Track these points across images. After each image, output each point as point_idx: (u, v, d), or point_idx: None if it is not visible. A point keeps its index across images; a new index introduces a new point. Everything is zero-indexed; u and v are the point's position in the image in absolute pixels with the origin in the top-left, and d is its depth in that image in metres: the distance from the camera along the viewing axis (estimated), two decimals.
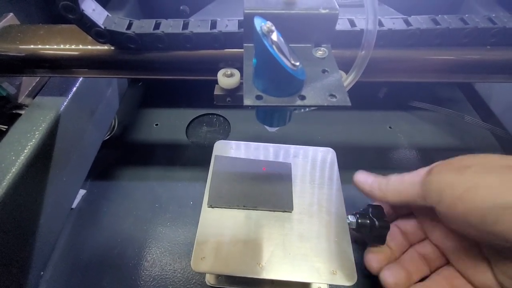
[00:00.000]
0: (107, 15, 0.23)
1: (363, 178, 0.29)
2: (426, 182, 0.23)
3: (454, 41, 0.24)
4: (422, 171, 0.24)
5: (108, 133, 0.43)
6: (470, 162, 0.22)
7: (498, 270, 0.22)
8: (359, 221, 0.28)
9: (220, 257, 0.25)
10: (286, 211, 0.28)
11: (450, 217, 0.22)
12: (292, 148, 0.33)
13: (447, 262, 0.27)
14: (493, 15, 0.24)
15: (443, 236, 0.26)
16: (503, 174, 0.20)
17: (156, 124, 0.46)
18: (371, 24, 0.19)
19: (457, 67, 0.25)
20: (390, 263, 0.27)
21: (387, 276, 0.26)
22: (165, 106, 0.49)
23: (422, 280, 0.27)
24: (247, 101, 0.18)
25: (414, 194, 0.24)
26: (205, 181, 0.30)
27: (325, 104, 0.18)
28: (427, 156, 0.42)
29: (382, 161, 0.42)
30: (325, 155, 0.33)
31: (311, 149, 0.33)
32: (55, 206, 0.29)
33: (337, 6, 0.20)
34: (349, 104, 0.18)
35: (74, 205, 0.36)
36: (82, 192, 0.37)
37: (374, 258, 0.27)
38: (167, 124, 0.46)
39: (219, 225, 0.27)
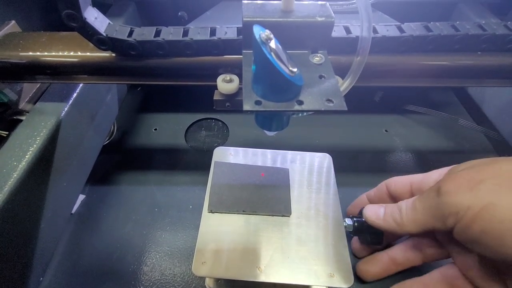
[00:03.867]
0: (109, 23, 0.23)
1: (374, 212, 0.26)
2: (440, 206, 0.21)
3: (446, 47, 0.25)
4: (431, 192, 0.22)
5: (108, 138, 0.43)
6: (482, 176, 0.20)
7: None
8: (356, 224, 0.29)
9: (221, 262, 0.25)
10: (284, 216, 0.28)
11: (465, 238, 0.20)
12: (290, 154, 0.34)
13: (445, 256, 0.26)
14: (483, 22, 0.24)
15: (458, 250, 0.24)
16: None
17: (155, 129, 0.46)
18: (366, 31, 0.20)
19: (450, 72, 0.26)
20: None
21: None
22: (164, 111, 0.49)
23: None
24: (246, 106, 0.19)
25: (431, 221, 0.22)
26: (204, 185, 0.30)
27: (322, 109, 0.19)
28: (423, 158, 0.43)
29: (379, 164, 0.42)
30: (322, 161, 0.33)
31: (308, 155, 0.34)
32: (56, 211, 0.29)
33: (333, 14, 0.21)
34: (346, 108, 0.18)
35: (73, 210, 0.36)
36: (81, 197, 0.37)
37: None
38: (166, 129, 0.46)
39: (219, 230, 0.27)
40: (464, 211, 0.20)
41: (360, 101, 0.49)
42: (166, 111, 0.49)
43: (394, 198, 0.28)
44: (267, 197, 0.29)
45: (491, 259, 0.21)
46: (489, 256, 0.20)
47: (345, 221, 0.28)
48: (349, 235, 0.28)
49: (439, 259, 0.27)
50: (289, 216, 0.28)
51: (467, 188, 0.20)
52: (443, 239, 0.26)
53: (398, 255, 0.28)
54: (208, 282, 0.29)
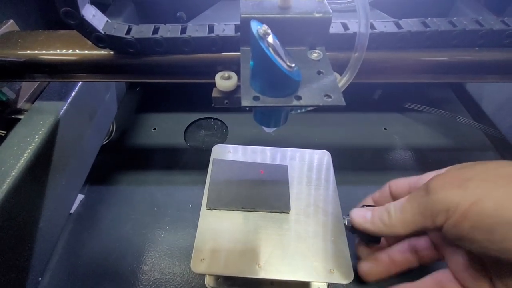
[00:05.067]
0: (107, 20, 0.23)
1: (361, 215, 0.26)
2: (429, 204, 0.21)
3: (443, 43, 0.25)
4: (420, 191, 0.23)
5: (106, 138, 0.43)
6: (470, 174, 0.21)
7: (499, 282, 0.21)
8: None
9: (219, 258, 0.25)
10: (283, 212, 0.28)
11: (455, 235, 0.20)
12: (289, 151, 0.34)
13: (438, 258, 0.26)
14: (480, 17, 0.25)
15: (449, 249, 0.25)
16: (509, 185, 0.19)
17: (154, 129, 0.46)
18: (363, 27, 0.20)
19: (447, 68, 0.26)
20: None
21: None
22: (163, 111, 0.49)
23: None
24: (244, 102, 0.19)
25: (420, 221, 0.22)
26: (204, 184, 0.30)
27: (321, 104, 0.19)
28: (422, 156, 0.43)
29: (378, 161, 0.42)
30: (321, 158, 0.33)
31: (307, 152, 0.34)
32: (54, 210, 0.29)
33: (330, 10, 0.21)
34: (344, 103, 0.18)
35: (72, 210, 0.36)
36: (80, 197, 0.37)
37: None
38: (165, 129, 0.46)
39: (218, 227, 0.27)
40: (454, 208, 0.20)
41: (359, 99, 0.49)
42: (165, 111, 0.49)
43: (395, 200, 0.29)
44: (266, 194, 0.29)
45: (480, 255, 0.22)
46: (478, 252, 0.21)
47: (344, 219, 0.28)
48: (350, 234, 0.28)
49: (434, 261, 0.27)
50: (288, 213, 0.28)
51: (456, 185, 0.20)
52: (437, 240, 0.26)
53: (397, 255, 0.28)
54: (208, 280, 0.29)
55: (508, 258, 0.19)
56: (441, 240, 0.26)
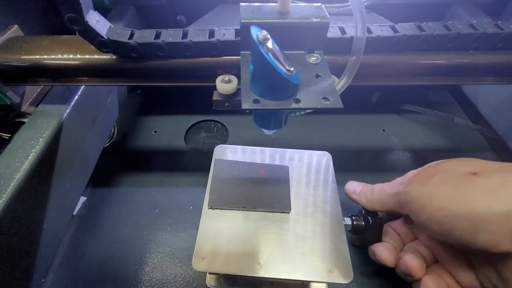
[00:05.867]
0: (110, 26, 0.24)
1: (352, 187, 0.31)
2: (399, 194, 0.25)
3: (439, 46, 0.25)
4: (398, 181, 0.26)
5: (108, 140, 0.43)
6: (434, 172, 0.24)
7: (479, 271, 0.23)
8: (354, 222, 0.29)
9: (220, 257, 0.25)
10: (284, 212, 0.28)
11: (418, 224, 0.24)
12: (288, 152, 0.34)
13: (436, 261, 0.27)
14: (475, 21, 0.25)
15: (428, 239, 0.27)
16: (459, 183, 0.22)
17: (155, 131, 0.47)
18: (360, 31, 0.20)
19: (443, 71, 0.26)
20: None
21: (410, 260, 0.26)
22: (163, 113, 0.50)
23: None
24: (245, 105, 0.19)
25: (392, 204, 0.26)
26: (205, 186, 0.30)
27: (319, 106, 0.19)
28: (420, 157, 0.43)
29: (376, 163, 0.43)
30: (321, 158, 0.34)
31: (306, 153, 0.34)
32: (58, 212, 0.29)
33: (328, 15, 0.21)
34: (341, 106, 0.19)
35: (74, 212, 0.36)
36: (82, 199, 0.38)
37: (384, 250, 0.28)
38: (166, 131, 0.47)
39: (219, 226, 0.27)
40: (415, 201, 0.23)
41: (357, 101, 0.50)
42: (166, 113, 0.50)
43: None
44: (267, 194, 0.29)
45: (442, 243, 0.25)
46: (439, 240, 0.24)
47: (343, 220, 0.29)
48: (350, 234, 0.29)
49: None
50: (288, 213, 0.28)
51: (420, 181, 0.24)
52: (411, 222, 0.28)
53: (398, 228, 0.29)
54: (209, 280, 0.29)
55: (459, 245, 0.21)
56: (435, 247, 0.27)
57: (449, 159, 0.25)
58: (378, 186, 0.29)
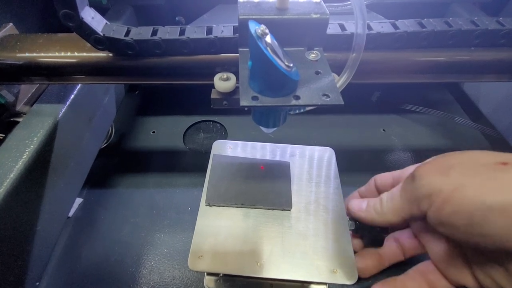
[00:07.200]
0: (106, 22, 0.24)
1: (357, 205, 0.27)
2: (415, 190, 0.22)
3: (440, 43, 0.25)
4: (407, 179, 0.24)
5: (105, 141, 0.43)
6: (453, 162, 0.22)
7: (479, 270, 0.22)
8: (358, 223, 0.28)
9: (218, 256, 0.24)
10: (285, 209, 0.28)
11: (438, 220, 0.21)
12: (289, 147, 0.33)
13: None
14: (476, 18, 0.25)
15: (427, 234, 0.26)
16: (489, 172, 0.20)
17: (153, 132, 0.46)
18: (361, 28, 0.20)
19: (444, 68, 0.26)
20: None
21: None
22: (161, 114, 0.49)
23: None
24: (243, 102, 0.19)
25: (409, 206, 0.23)
26: (203, 187, 0.30)
27: (319, 103, 0.19)
28: (420, 156, 0.43)
29: (377, 163, 0.42)
30: (323, 154, 0.33)
31: (308, 148, 0.33)
32: (52, 213, 0.29)
33: (328, 11, 0.21)
34: (342, 102, 0.19)
35: (70, 214, 0.36)
36: (78, 200, 0.37)
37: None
38: (164, 132, 0.46)
39: (217, 224, 0.26)
40: (437, 193, 0.21)
41: (357, 101, 0.49)
42: (164, 114, 0.49)
43: (380, 192, 0.29)
44: (267, 191, 0.28)
45: (461, 242, 0.23)
46: (459, 238, 0.21)
47: (347, 220, 0.28)
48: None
49: (417, 254, 0.28)
50: (289, 210, 0.28)
51: (439, 172, 0.21)
52: (418, 232, 0.27)
53: (385, 248, 0.28)
54: (207, 282, 0.29)
55: (487, 243, 0.19)
56: (423, 232, 0.27)
57: (461, 151, 0.23)
58: (385, 194, 0.25)
